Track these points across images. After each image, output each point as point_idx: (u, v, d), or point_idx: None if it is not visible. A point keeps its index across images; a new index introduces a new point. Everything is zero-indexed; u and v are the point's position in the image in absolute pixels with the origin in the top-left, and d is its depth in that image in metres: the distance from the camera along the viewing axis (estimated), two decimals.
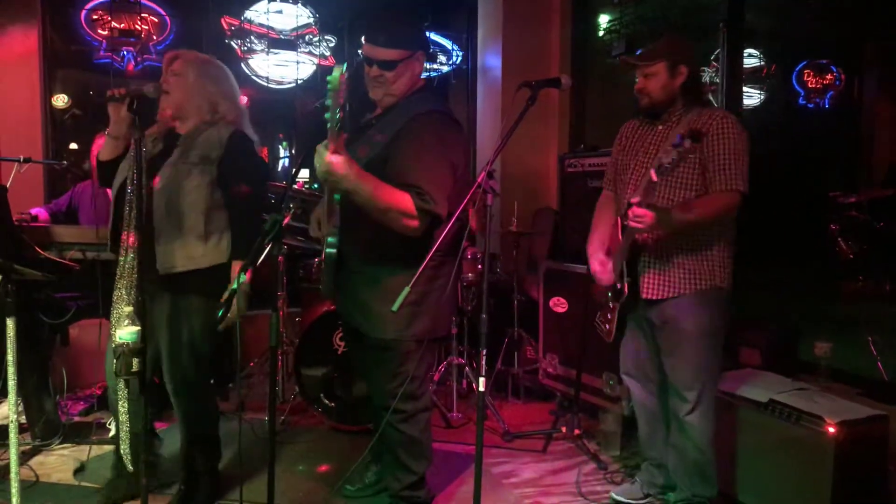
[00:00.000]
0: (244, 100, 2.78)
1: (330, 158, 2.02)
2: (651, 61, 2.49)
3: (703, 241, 2.49)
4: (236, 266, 2.56)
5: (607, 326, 2.66)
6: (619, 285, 2.55)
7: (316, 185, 5.72)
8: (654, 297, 2.52)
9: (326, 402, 3.59)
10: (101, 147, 2.63)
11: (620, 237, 2.51)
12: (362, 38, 2.49)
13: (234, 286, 2.07)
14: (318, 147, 2.05)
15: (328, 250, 2.39)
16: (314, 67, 5.59)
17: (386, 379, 2.47)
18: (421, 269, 1.97)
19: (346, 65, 1.91)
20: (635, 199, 2.32)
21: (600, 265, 2.64)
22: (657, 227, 2.35)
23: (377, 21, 2.50)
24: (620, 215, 2.52)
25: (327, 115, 1.95)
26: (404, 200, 2.19)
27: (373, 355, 2.50)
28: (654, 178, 2.22)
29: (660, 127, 2.59)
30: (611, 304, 2.63)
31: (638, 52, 2.59)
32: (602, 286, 2.67)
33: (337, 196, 2.33)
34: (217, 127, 2.57)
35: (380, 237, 2.30)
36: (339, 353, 3.58)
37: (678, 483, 2.67)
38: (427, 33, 5.76)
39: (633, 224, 2.33)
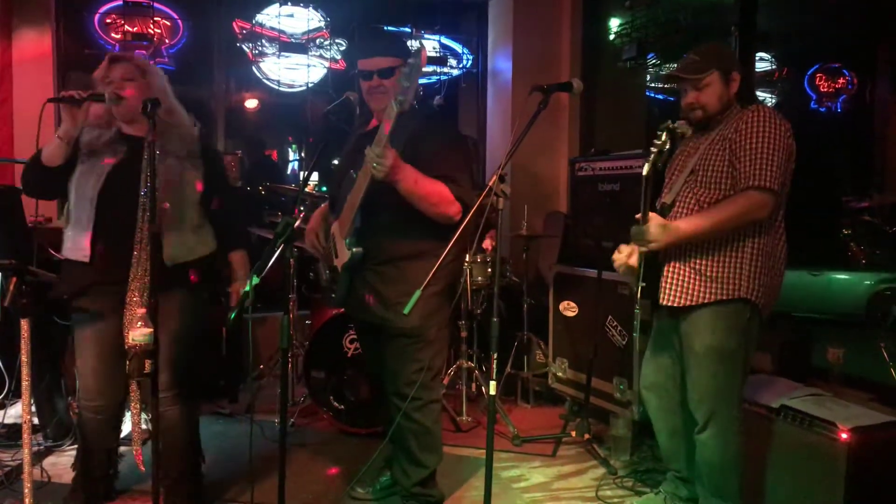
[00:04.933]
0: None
1: (386, 153, 2.25)
2: (704, 73, 2.41)
3: (730, 246, 2.37)
4: (237, 256, 2.67)
5: (634, 334, 2.62)
6: (634, 288, 2.52)
7: (324, 189, 5.74)
8: (673, 304, 2.46)
9: (336, 404, 3.59)
10: (49, 152, 2.49)
11: None
12: (357, 57, 2.59)
13: (248, 287, 2.07)
14: (368, 148, 2.29)
15: (354, 251, 2.51)
16: (325, 71, 5.61)
17: (406, 366, 2.56)
18: (435, 268, 2.06)
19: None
20: (638, 216, 2.32)
21: (618, 252, 2.61)
22: (665, 243, 2.31)
23: (370, 36, 2.67)
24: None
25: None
26: (442, 188, 2.42)
27: (395, 344, 2.57)
28: (645, 172, 2.24)
29: (706, 133, 2.50)
30: (636, 308, 2.60)
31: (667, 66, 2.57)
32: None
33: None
34: (178, 126, 2.58)
35: (402, 232, 2.49)
36: (349, 355, 3.59)
37: (699, 493, 2.64)
38: (437, 39, 5.78)
39: (633, 242, 2.32)
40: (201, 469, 2.78)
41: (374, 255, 2.52)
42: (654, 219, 2.32)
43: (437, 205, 2.42)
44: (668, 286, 2.47)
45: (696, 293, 2.41)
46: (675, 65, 2.54)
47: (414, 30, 5.70)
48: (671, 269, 2.47)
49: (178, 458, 2.63)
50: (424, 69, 2.72)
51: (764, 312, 2.43)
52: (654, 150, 2.20)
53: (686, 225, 2.34)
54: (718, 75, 2.41)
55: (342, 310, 3.42)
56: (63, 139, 2.45)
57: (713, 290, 2.39)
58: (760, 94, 7.58)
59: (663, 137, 2.18)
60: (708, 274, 2.40)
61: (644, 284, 2.45)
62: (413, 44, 2.34)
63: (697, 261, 2.41)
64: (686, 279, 2.43)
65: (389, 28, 5.53)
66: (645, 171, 2.23)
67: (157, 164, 2.41)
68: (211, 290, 2.66)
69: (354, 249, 2.50)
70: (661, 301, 2.48)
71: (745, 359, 2.44)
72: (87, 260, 2.46)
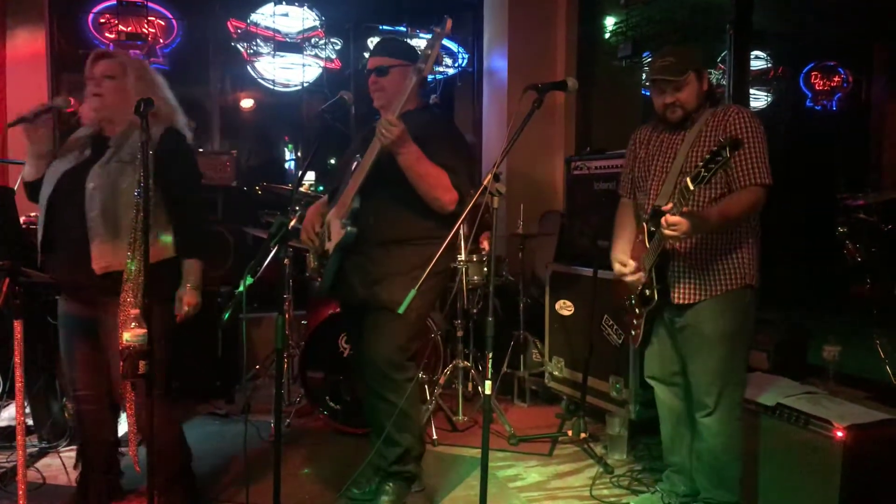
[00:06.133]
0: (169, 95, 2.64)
1: (397, 121, 2.35)
2: (684, 74, 2.46)
3: (733, 240, 2.48)
4: (190, 263, 2.51)
5: (634, 332, 2.64)
6: (647, 292, 2.53)
7: (321, 188, 5.72)
8: (687, 302, 2.49)
9: (332, 404, 3.58)
10: (26, 170, 2.53)
11: (647, 244, 2.48)
12: (370, 48, 2.71)
13: (241, 288, 2.06)
14: (383, 115, 2.43)
15: (349, 230, 2.54)
16: (320, 70, 5.60)
17: (382, 343, 2.58)
18: (434, 261, 2.12)
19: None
20: (667, 207, 2.28)
21: (622, 266, 2.60)
22: (692, 234, 2.31)
23: (379, 41, 2.83)
24: (646, 221, 2.50)
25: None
26: (441, 173, 2.48)
27: (373, 318, 2.60)
28: (691, 187, 2.17)
29: (678, 132, 2.56)
30: (637, 310, 2.60)
31: (648, 64, 2.58)
32: (627, 290, 2.64)
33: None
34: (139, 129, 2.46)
35: (396, 217, 2.55)
36: (345, 355, 3.58)
37: (699, 485, 2.65)
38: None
39: (668, 233, 2.27)
40: (191, 467, 2.77)
41: (367, 238, 2.57)
42: (689, 214, 2.29)
43: (434, 187, 2.48)
44: (680, 286, 2.50)
45: (706, 289, 2.47)
46: (649, 67, 2.56)
47: (409, 29, 5.70)
48: (680, 269, 2.50)
49: (168, 458, 2.60)
50: None
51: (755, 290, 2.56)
52: (712, 166, 2.11)
53: (718, 219, 2.35)
54: (694, 75, 2.47)
55: (338, 310, 3.42)
56: (32, 156, 2.49)
57: (722, 283, 2.47)
58: (756, 93, 7.56)
59: (727, 152, 2.09)
60: (718, 268, 2.47)
61: (660, 287, 2.49)
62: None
63: (705, 258, 2.47)
64: (696, 276, 2.48)
65: (385, 27, 5.53)
66: (691, 186, 2.16)
67: (98, 168, 2.40)
68: (170, 295, 2.52)
69: (349, 228, 2.53)
70: (673, 300, 2.51)
71: (748, 337, 2.57)
72: (39, 265, 2.47)
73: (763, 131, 2.44)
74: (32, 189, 2.57)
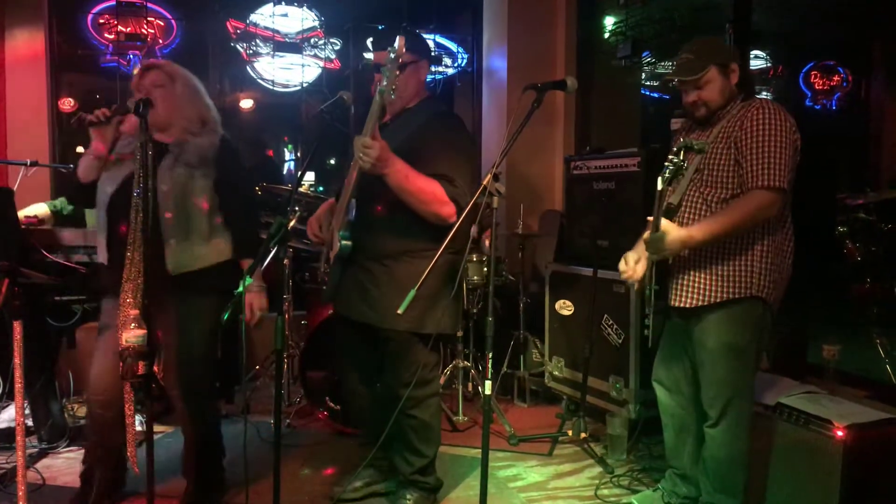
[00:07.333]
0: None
1: (373, 143, 2.23)
2: (702, 71, 2.37)
3: (740, 245, 2.36)
4: (246, 265, 2.60)
5: (646, 331, 2.56)
6: (647, 292, 2.44)
7: (321, 189, 5.72)
8: (684, 306, 2.43)
9: (332, 405, 3.58)
10: (84, 169, 2.56)
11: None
12: (370, 46, 2.59)
13: (241, 289, 2.07)
14: (356, 137, 2.27)
15: (343, 243, 2.48)
16: (319, 70, 5.60)
17: (398, 369, 2.56)
18: (429, 268, 2.07)
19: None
20: (651, 219, 2.25)
21: (623, 263, 2.54)
22: (679, 251, 2.28)
23: (385, 30, 2.65)
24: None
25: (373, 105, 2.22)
26: (436, 187, 2.37)
27: (389, 346, 2.57)
28: (659, 186, 2.14)
29: (708, 127, 2.48)
30: (646, 309, 2.53)
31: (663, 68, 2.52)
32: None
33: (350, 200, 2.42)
34: (202, 135, 2.58)
35: (393, 229, 2.46)
36: None
37: (702, 487, 2.63)
38: (432, 38, 5.77)
39: (651, 254, 2.26)
40: (221, 466, 2.81)
41: (364, 250, 2.52)
42: (670, 229, 2.25)
43: (428, 203, 2.38)
44: (679, 288, 2.44)
45: (708, 294, 2.39)
46: (671, 63, 2.50)
47: (408, 28, 5.69)
48: (681, 271, 2.44)
49: (188, 455, 2.68)
50: None
51: (774, 307, 2.44)
52: (671, 166, 2.09)
53: (699, 233, 2.28)
54: (717, 70, 2.38)
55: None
56: (96, 157, 2.51)
57: (725, 290, 2.37)
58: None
59: (681, 156, 2.06)
60: (719, 274, 2.38)
61: (657, 288, 2.41)
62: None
63: (708, 261, 2.39)
64: (697, 280, 2.41)
65: (385, 27, 5.52)
66: (659, 186, 2.14)
67: (166, 172, 2.46)
68: (226, 295, 2.60)
69: (343, 242, 2.49)
70: (672, 303, 2.46)
71: (757, 353, 2.47)
72: (106, 263, 2.53)
73: (787, 128, 2.30)
74: (87, 192, 2.59)
